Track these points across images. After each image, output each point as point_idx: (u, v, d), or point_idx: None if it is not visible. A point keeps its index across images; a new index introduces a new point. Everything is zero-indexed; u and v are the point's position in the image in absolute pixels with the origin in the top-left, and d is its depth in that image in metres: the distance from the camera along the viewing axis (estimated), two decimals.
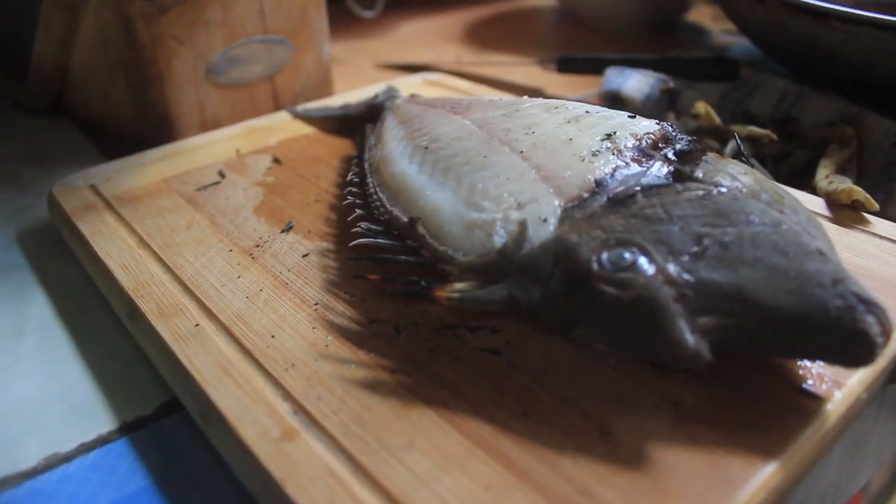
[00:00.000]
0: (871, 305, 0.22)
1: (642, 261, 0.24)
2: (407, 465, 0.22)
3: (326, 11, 0.55)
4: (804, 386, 0.25)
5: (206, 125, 0.50)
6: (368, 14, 0.76)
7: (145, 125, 0.49)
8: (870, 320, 0.22)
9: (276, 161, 0.43)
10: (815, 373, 0.25)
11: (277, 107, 0.54)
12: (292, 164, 0.43)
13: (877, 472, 0.44)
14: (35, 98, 0.57)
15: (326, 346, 0.28)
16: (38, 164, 0.51)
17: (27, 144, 0.54)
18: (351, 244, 0.32)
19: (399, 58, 0.71)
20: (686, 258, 0.24)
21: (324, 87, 0.57)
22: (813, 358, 0.25)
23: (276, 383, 0.26)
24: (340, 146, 0.45)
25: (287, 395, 0.25)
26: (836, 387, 0.24)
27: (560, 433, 0.23)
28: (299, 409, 0.25)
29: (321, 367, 0.26)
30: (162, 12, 0.46)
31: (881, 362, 0.26)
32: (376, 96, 0.49)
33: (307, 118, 0.50)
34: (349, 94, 0.53)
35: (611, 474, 0.22)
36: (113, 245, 0.35)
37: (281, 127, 0.48)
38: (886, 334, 0.22)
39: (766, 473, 0.22)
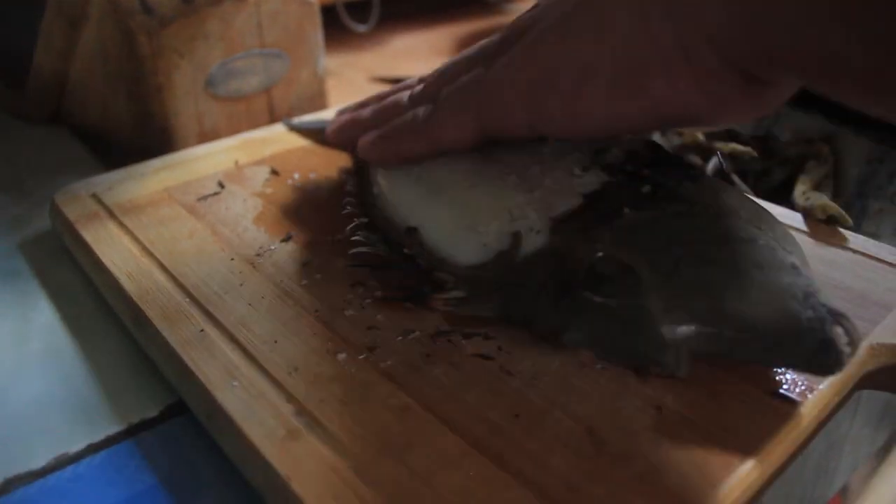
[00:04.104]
0: (839, 317, 0.24)
1: (626, 272, 0.26)
2: (406, 464, 0.23)
3: (322, 26, 0.57)
4: (779, 390, 0.26)
5: (205, 136, 0.51)
6: (362, 28, 0.77)
7: (144, 136, 0.51)
8: (838, 331, 0.24)
9: (275, 172, 0.44)
10: (789, 378, 0.27)
11: (273, 119, 0.55)
12: (290, 176, 0.44)
13: (853, 475, 0.46)
14: (34, 108, 0.58)
15: (327, 350, 0.29)
16: (37, 173, 0.51)
17: (26, 153, 0.55)
18: (350, 252, 0.33)
19: (391, 71, 0.73)
20: (668, 270, 0.26)
21: (318, 100, 0.58)
22: (786, 366, 0.26)
23: (280, 386, 0.27)
24: (336, 158, 0.47)
25: (290, 398, 0.26)
26: (809, 391, 0.26)
27: (550, 434, 0.25)
28: (302, 410, 0.26)
29: (323, 370, 0.28)
30: (163, 26, 0.47)
31: (850, 369, 0.27)
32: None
33: (303, 131, 0.51)
34: (343, 107, 0.54)
35: (597, 472, 0.23)
36: (117, 253, 0.36)
37: (278, 139, 0.50)
38: (853, 344, 0.24)
39: (743, 472, 0.23)
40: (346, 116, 0.42)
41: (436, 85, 0.36)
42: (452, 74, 0.35)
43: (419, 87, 0.38)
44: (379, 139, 0.37)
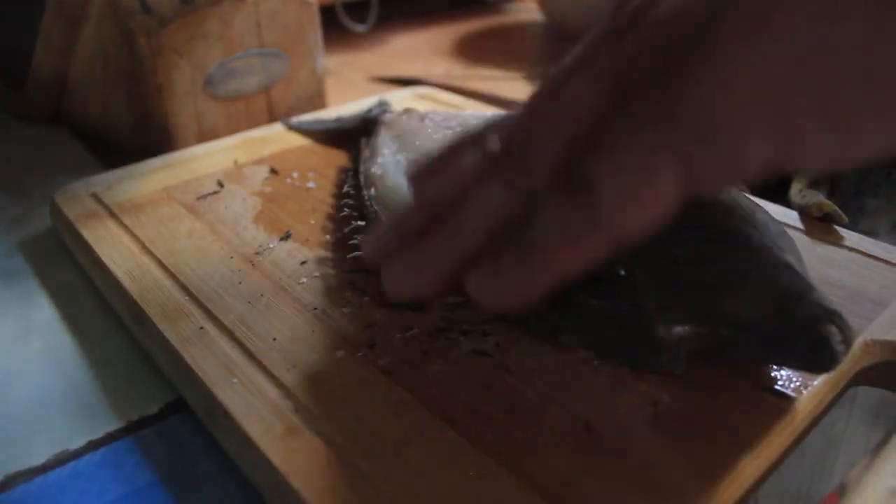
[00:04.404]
0: (833, 315, 0.24)
1: (623, 273, 0.26)
2: (403, 459, 0.24)
3: (320, 26, 0.57)
4: (774, 386, 0.26)
5: (204, 136, 0.52)
6: (360, 28, 0.77)
7: (144, 135, 0.51)
8: (832, 329, 0.24)
9: (274, 172, 0.45)
10: (784, 374, 0.27)
11: (272, 118, 0.55)
12: (289, 175, 0.44)
13: (850, 472, 0.46)
14: (34, 107, 0.58)
15: (325, 348, 0.29)
16: (37, 172, 0.52)
17: (25, 153, 0.55)
18: (349, 256, 0.33)
19: (390, 71, 0.73)
20: (663, 270, 0.26)
21: (317, 100, 0.59)
22: (780, 364, 0.27)
23: (279, 383, 0.27)
24: (335, 157, 0.47)
25: (289, 394, 0.27)
26: (804, 387, 0.26)
27: (546, 429, 0.25)
28: (301, 406, 0.26)
29: (321, 367, 0.28)
30: (162, 26, 0.48)
31: (845, 366, 0.27)
32: (370, 110, 0.50)
33: (302, 130, 0.51)
34: (342, 107, 0.55)
35: (594, 467, 0.23)
36: (117, 252, 0.36)
37: (277, 138, 0.50)
38: (847, 343, 0.24)
39: (739, 466, 0.23)
40: (396, 264, 0.25)
41: (553, 154, 0.21)
42: (631, 110, 0.20)
43: (518, 174, 0.22)
44: (506, 271, 0.22)
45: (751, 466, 0.24)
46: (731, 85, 0.19)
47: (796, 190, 0.40)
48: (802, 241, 0.35)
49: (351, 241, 0.34)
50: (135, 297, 0.33)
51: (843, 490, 0.59)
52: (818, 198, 0.38)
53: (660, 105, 0.20)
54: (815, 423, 0.26)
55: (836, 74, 0.18)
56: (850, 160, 0.20)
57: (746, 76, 0.18)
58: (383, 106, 0.51)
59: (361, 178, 0.39)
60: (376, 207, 0.35)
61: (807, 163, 0.20)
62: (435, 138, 0.38)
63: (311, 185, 0.43)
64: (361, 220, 0.36)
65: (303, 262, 0.35)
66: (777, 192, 0.44)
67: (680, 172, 0.20)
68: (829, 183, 0.43)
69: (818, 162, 0.20)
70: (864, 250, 0.35)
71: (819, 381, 0.27)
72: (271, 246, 0.36)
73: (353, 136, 0.47)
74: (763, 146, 0.19)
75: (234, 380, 0.27)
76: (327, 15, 0.65)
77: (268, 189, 0.42)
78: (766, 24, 0.18)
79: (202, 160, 0.46)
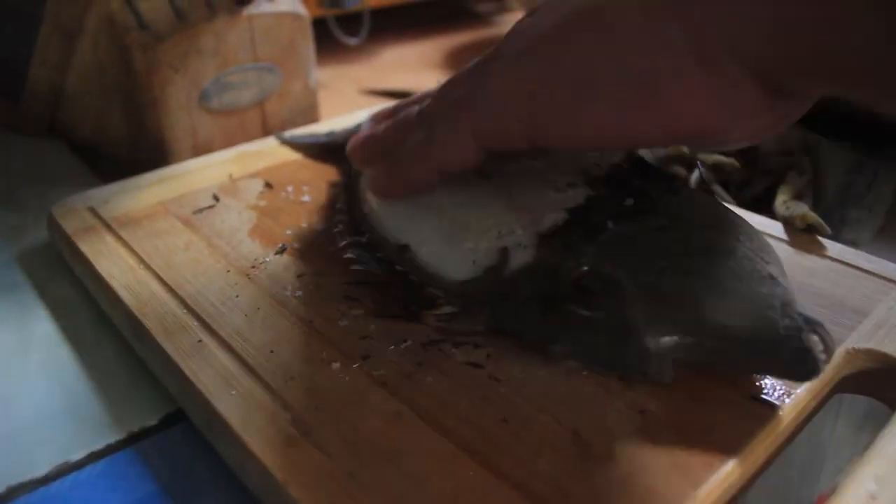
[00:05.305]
0: (815, 326, 0.25)
1: (611, 285, 0.27)
2: (399, 468, 0.24)
3: (313, 40, 0.58)
4: (758, 394, 0.27)
5: (199, 150, 0.52)
6: (353, 41, 0.78)
7: (140, 149, 0.51)
8: (814, 339, 0.25)
9: (268, 185, 0.45)
10: (768, 383, 0.28)
11: (267, 132, 0.56)
12: (284, 188, 0.45)
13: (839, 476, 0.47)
14: (29, 120, 0.58)
15: (322, 360, 0.30)
16: (33, 185, 0.52)
17: (21, 166, 0.55)
18: (343, 271, 0.34)
19: (382, 83, 0.74)
20: (650, 283, 0.27)
21: (310, 113, 0.59)
22: (764, 373, 0.27)
23: (277, 395, 0.28)
24: (328, 172, 0.48)
25: (287, 406, 0.27)
26: (787, 395, 0.27)
27: (537, 438, 0.25)
28: (298, 417, 0.27)
29: (318, 379, 0.29)
30: (158, 41, 0.48)
31: (828, 374, 0.28)
32: (361, 125, 0.51)
33: (294, 145, 0.52)
34: (334, 120, 0.55)
35: (583, 474, 0.24)
36: (115, 266, 0.37)
37: (271, 152, 0.51)
38: (829, 352, 0.25)
39: (724, 471, 0.24)
40: (363, 133, 0.39)
41: (437, 102, 0.34)
42: (451, 88, 0.33)
43: (426, 103, 0.35)
44: (386, 172, 0.35)
45: (736, 472, 0.24)
46: (492, 89, 0.30)
47: (780, 201, 0.41)
48: (786, 252, 0.36)
49: (346, 256, 0.35)
50: (133, 310, 0.33)
51: (834, 494, 0.59)
52: (802, 209, 0.39)
53: (465, 95, 0.31)
54: (799, 429, 0.27)
55: (551, 94, 0.27)
56: (583, 147, 0.29)
57: (503, 85, 0.29)
58: None
59: (354, 193, 0.40)
60: (369, 222, 0.36)
61: (551, 145, 0.29)
62: None
63: (305, 198, 0.44)
64: (355, 234, 0.36)
65: (298, 276, 0.35)
66: (762, 203, 0.45)
67: (473, 139, 0.30)
68: (813, 194, 0.44)
69: (558, 145, 0.29)
70: (846, 261, 0.35)
71: (802, 389, 0.27)
72: (267, 259, 0.37)
73: (344, 151, 0.48)
74: (518, 128, 0.29)
75: (233, 392, 0.28)
76: (320, 28, 0.66)
77: (263, 203, 0.43)
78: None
79: (197, 174, 0.47)
